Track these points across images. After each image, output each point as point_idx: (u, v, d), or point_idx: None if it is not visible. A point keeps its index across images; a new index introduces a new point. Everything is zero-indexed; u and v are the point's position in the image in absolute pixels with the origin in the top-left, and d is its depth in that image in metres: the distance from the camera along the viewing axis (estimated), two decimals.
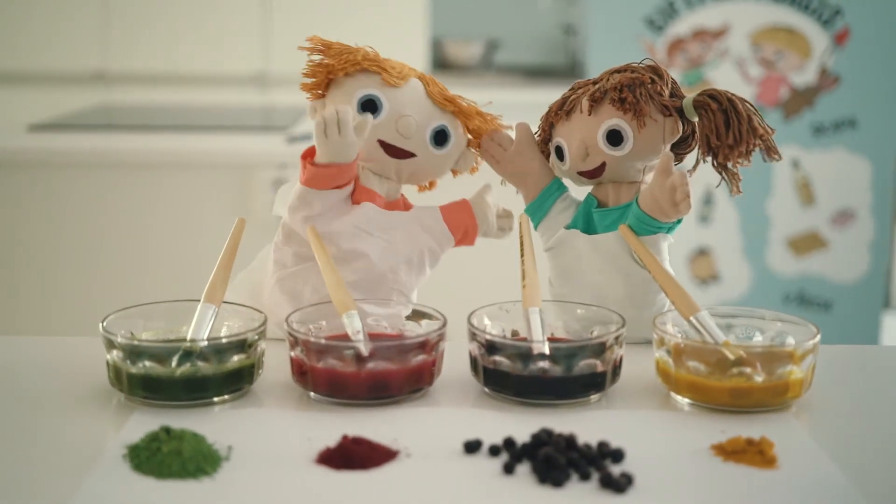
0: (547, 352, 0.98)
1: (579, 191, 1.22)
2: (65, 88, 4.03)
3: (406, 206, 1.20)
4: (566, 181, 1.22)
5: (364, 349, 0.97)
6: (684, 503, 0.81)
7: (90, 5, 4.10)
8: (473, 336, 1.01)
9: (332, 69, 1.15)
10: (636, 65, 1.15)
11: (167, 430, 0.88)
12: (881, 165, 3.16)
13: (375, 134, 1.14)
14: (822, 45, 3.13)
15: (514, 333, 1.07)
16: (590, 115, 1.14)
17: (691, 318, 1.02)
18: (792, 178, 3.19)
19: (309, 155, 1.11)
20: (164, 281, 2.42)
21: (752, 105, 1.10)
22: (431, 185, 1.24)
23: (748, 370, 0.97)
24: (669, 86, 1.14)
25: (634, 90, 1.12)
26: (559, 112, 1.18)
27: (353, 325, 1.02)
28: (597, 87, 1.15)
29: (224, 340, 0.98)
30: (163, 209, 2.43)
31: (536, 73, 4.52)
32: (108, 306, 1.10)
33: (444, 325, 1.02)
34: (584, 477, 0.84)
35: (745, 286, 3.21)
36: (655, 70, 1.15)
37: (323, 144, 1.09)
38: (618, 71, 1.16)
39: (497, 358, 0.99)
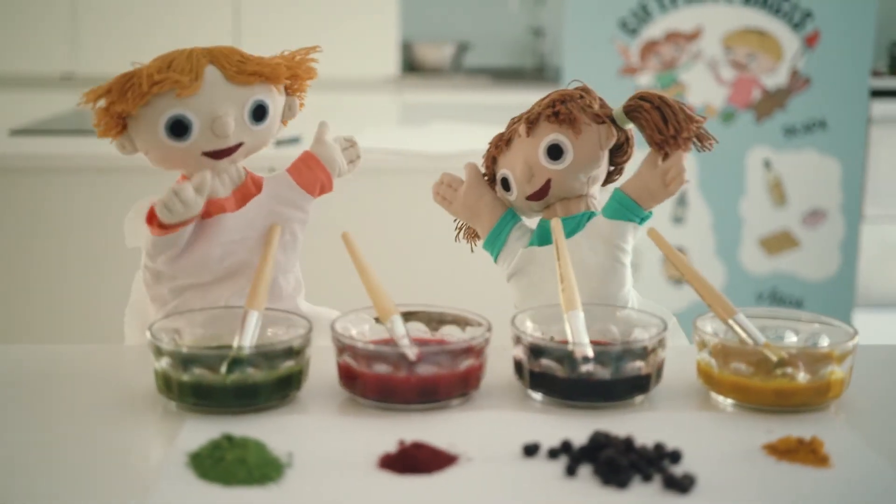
0: (591, 355, 0.99)
1: (533, 222, 1.25)
2: (34, 91, 3.99)
3: (255, 183, 1.17)
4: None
5: (410, 354, 0.98)
6: (749, 503, 0.83)
7: (59, 8, 4.07)
8: (518, 339, 1.02)
9: (123, 112, 1.08)
10: (565, 88, 1.20)
11: (229, 438, 0.88)
12: (851, 166, 3.21)
13: (196, 149, 1.10)
14: (792, 47, 3.17)
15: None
16: (528, 136, 1.17)
17: (730, 321, 1.04)
18: (764, 178, 3.23)
19: (152, 218, 1.09)
20: (111, 287, 2.40)
21: (678, 100, 1.15)
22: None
23: (790, 370, 0.99)
24: (598, 101, 1.19)
25: (566, 103, 1.16)
26: (499, 144, 1.21)
27: (398, 331, 1.02)
28: (531, 111, 1.19)
29: (275, 347, 0.99)
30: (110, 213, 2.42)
31: (506, 76, 4.55)
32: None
33: (490, 329, 1.03)
34: (647, 478, 0.85)
35: (718, 285, 3.24)
36: (584, 88, 1.19)
37: (170, 220, 1.07)
38: (547, 96, 1.20)
39: (544, 361, 1.00)
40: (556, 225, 1.15)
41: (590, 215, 1.18)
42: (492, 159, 1.23)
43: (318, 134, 1.20)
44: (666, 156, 1.13)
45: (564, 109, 1.15)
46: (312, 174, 1.18)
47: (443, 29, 4.73)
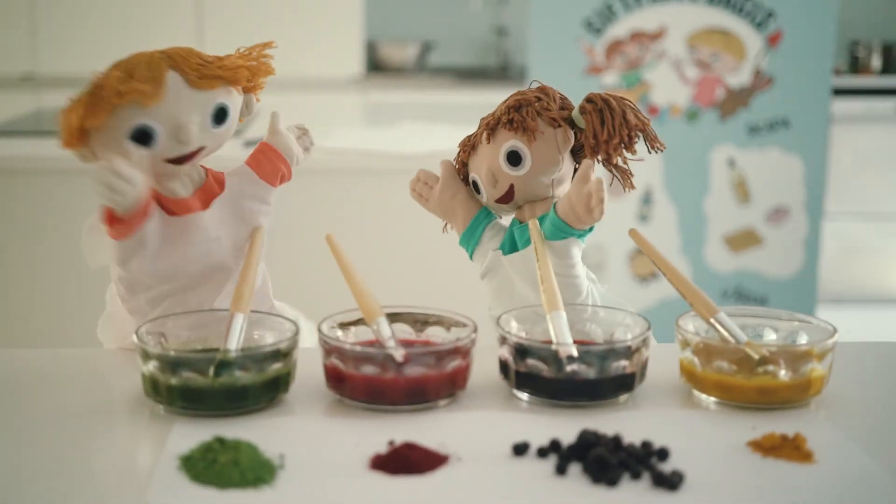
0: (575, 354, 1.00)
1: (506, 219, 1.26)
2: None
3: (217, 180, 1.17)
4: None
5: (397, 355, 0.99)
6: (735, 499, 0.84)
7: (18, 8, 4.03)
8: (504, 340, 1.03)
9: (94, 127, 1.06)
10: (524, 90, 1.20)
11: (221, 441, 0.89)
12: (813, 164, 3.25)
13: (159, 156, 1.09)
14: (755, 46, 3.21)
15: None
16: (489, 143, 1.18)
17: (712, 320, 1.06)
18: (728, 176, 3.26)
19: (110, 218, 1.07)
20: (102, 287, 2.39)
21: (631, 102, 1.15)
22: None
23: (772, 368, 1.01)
24: (558, 101, 1.18)
25: (520, 110, 1.16)
26: (466, 148, 1.22)
27: (384, 332, 1.03)
28: (493, 116, 1.19)
29: (263, 350, 0.99)
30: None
31: (470, 75, 4.56)
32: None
33: (475, 329, 1.04)
34: (636, 476, 0.86)
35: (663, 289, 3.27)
36: (542, 90, 1.19)
37: (119, 205, 1.05)
38: (509, 98, 1.20)
39: (530, 361, 1.01)
40: (534, 226, 1.16)
41: None
42: (462, 162, 1.24)
43: (271, 124, 1.20)
44: (607, 159, 1.14)
45: (518, 117, 1.16)
46: (273, 165, 1.18)
47: (407, 28, 4.74)
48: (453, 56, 4.79)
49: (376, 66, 4.57)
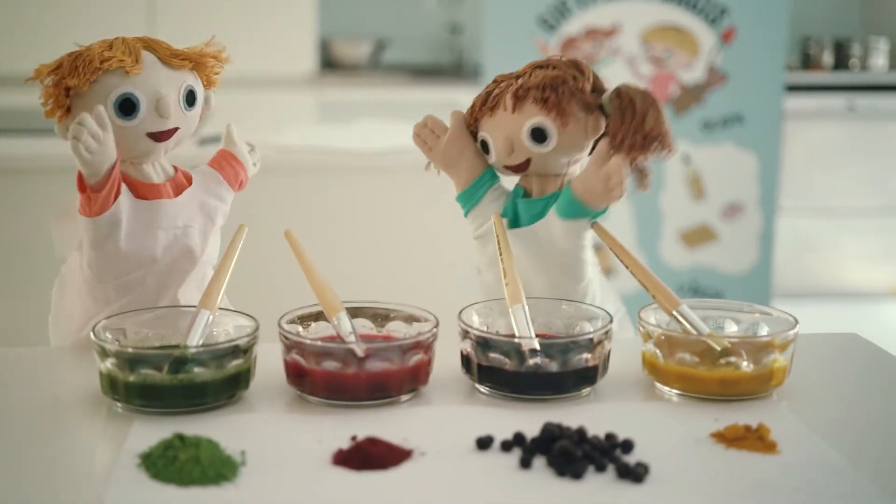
0: (538, 347, 1.00)
1: (507, 180, 1.24)
2: None
3: (186, 177, 1.18)
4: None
5: (359, 350, 0.98)
6: (700, 490, 0.84)
7: None
8: (466, 334, 1.03)
9: (74, 88, 1.09)
10: (557, 59, 1.16)
11: (181, 438, 0.87)
12: (767, 159, 3.27)
13: (142, 129, 1.11)
14: (709, 43, 3.22)
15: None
16: (514, 112, 1.14)
17: (674, 312, 1.05)
18: (683, 172, 3.28)
19: (83, 187, 1.09)
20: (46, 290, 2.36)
21: (657, 104, 1.10)
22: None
23: (734, 359, 1.01)
24: (591, 81, 1.15)
25: (556, 89, 1.12)
26: (483, 107, 1.18)
27: (345, 327, 1.02)
28: (520, 83, 1.15)
29: (222, 346, 0.98)
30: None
31: (423, 73, 4.54)
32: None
33: (437, 324, 1.03)
34: (600, 468, 0.86)
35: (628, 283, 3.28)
36: (577, 66, 1.15)
37: (91, 163, 1.06)
38: (540, 66, 1.16)
39: (492, 355, 1.01)
40: (497, 221, 1.15)
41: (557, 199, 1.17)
42: (475, 119, 1.19)
43: (228, 135, 1.23)
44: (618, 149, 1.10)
45: (555, 98, 1.12)
46: (234, 170, 1.21)
47: (361, 26, 4.72)
48: (407, 54, 4.77)
49: (330, 63, 4.54)
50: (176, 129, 1.13)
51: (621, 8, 3.21)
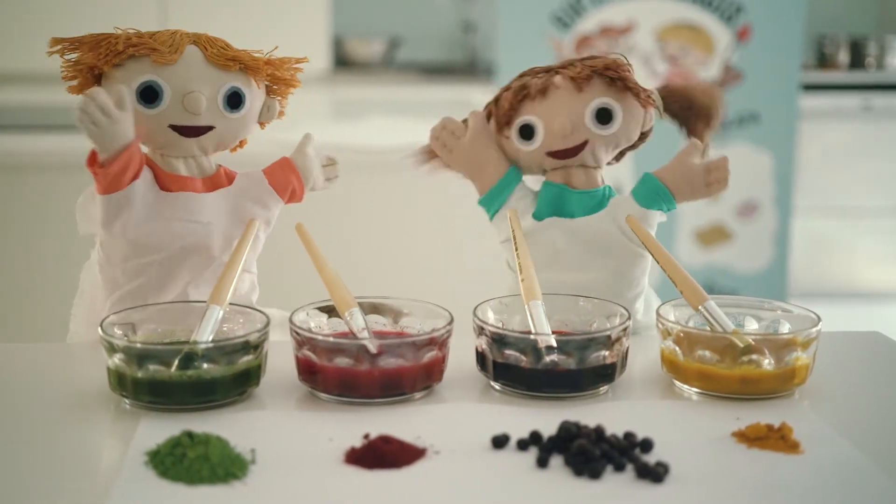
0: (554, 344, 0.98)
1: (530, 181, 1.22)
2: None
3: (228, 177, 1.16)
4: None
5: (372, 346, 0.96)
6: (722, 491, 0.82)
7: None
8: (481, 330, 1.01)
9: (93, 66, 1.09)
10: (605, 57, 1.16)
11: (190, 435, 0.85)
12: (783, 158, 3.25)
13: (164, 120, 1.09)
14: (724, 41, 3.20)
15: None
16: (579, 92, 1.14)
17: (700, 308, 1.03)
18: None
19: (93, 161, 1.07)
20: (57, 286, 2.35)
21: (706, 89, 1.17)
22: (242, 143, 1.18)
23: (756, 357, 0.98)
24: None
25: (624, 72, 1.14)
26: (522, 93, 1.15)
27: (357, 323, 1.00)
28: (578, 69, 1.14)
29: (232, 342, 0.96)
30: (57, 211, 2.36)
31: (436, 71, 4.53)
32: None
33: (452, 320, 1.01)
34: (619, 468, 0.84)
35: (654, 278, 3.25)
36: (626, 65, 1.16)
37: (98, 137, 1.04)
38: (588, 58, 1.16)
39: (508, 352, 0.98)
40: (513, 215, 1.13)
41: (610, 193, 1.17)
42: (509, 106, 1.17)
43: (300, 144, 1.19)
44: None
45: (621, 81, 1.13)
46: (285, 178, 1.16)
47: (374, 24, 4.70)
48: (420, 52, 4.75)
49: (343, 61, 4.53)
50: (210, 129, 1.11)
51: (636, 6, 3.18)
